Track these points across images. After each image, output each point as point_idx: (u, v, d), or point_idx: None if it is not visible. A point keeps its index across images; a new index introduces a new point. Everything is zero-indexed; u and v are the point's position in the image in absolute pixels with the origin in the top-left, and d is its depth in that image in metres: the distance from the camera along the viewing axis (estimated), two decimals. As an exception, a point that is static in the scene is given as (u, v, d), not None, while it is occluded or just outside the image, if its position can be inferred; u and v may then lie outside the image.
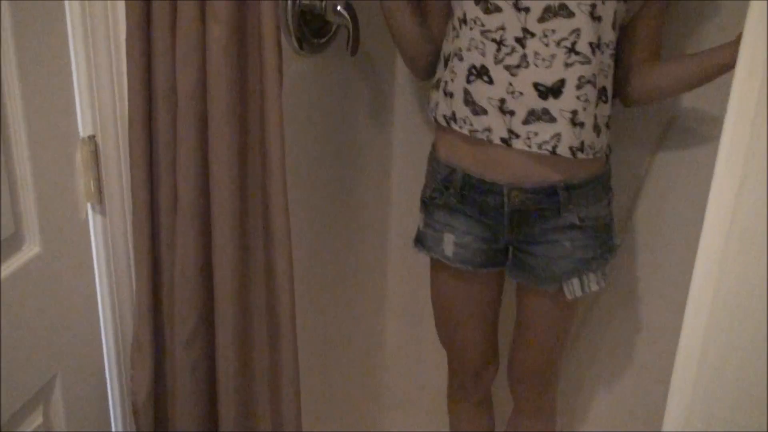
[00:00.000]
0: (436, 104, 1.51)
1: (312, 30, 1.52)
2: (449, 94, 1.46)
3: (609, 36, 1.38)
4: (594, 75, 1.38)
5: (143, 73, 1.14)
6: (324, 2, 1.48)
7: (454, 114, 1.46)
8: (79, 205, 1.19)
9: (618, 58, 1.46)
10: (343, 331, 1.97)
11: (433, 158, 1.59)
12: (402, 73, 1.87)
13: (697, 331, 0.78)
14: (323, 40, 1.57)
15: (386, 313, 2.18)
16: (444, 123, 1.49)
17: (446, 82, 1.47)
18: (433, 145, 1.60)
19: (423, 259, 1.69)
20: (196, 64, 1.11)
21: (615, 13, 1.36)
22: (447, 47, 1.49)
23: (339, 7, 1.48)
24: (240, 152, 1.16)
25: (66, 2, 1.12)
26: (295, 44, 1.48)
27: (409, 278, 2.09)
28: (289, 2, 1.44)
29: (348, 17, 1.48)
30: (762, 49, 0.68)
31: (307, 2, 1.47)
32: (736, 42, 1.30)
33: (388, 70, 1.87)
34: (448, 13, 1.50)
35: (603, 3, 1.34)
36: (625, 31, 1.45)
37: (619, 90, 1.51)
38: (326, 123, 1.67)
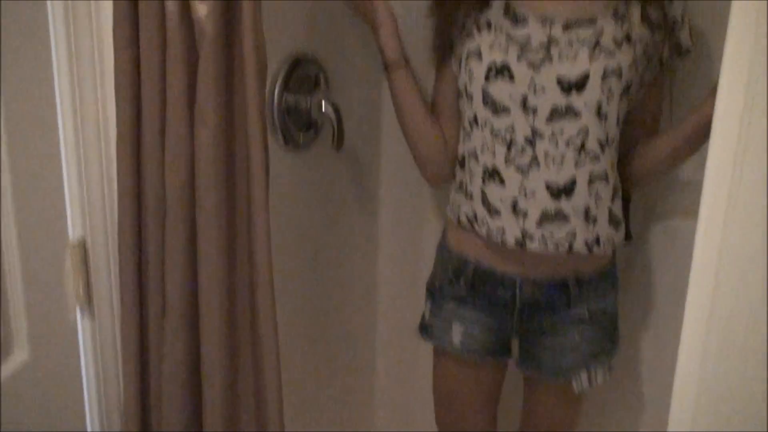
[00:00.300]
0: (458, 206, 1.53)
1: (298, 126, 1.55)
2: (469, 195, 1.48)
3: (615, 132, 1.40)
4: (605, 171, 1.40)
5: (133, 176, 1.15)
6: (309, 99, 1.52)
7: (475, 214, 1.47)
8: (68, 310, 1.19)
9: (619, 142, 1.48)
10: (333, 427, 1.94)
11: (443, 248, 1.60)
12: (387, 168, 1.90)
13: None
14: (309, 136, 1.60)
15: (375, 407, 2.15)
16: (467, 223, 1.50)
17: (465, 184, 1.49)
18: (444, 235, 1.61)
19: (413, 353, 1.68)
20: (185, 167, 1.13)
21: (618, 110, 1.39)
22: (461, 149, 1.51)
23: (324, 105, 1.51)
24: (228, 255, 1.16)
25: (58, 106, 1.14)
26: (281, 140, 1.51)
27: (398, 370, 2.08)
28: (275, 99, 1.47)
29: (333, 114, 1.51)
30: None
31: (293, 99, 1.51)
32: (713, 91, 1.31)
33: (373, 165, 1.90)
34: (459, 114, 1.53)
35: (608, 102, 1.36)
36: (626, 117, 1.47)
37: (622, 172, 1.52)
38: (312, 217, 1.69)
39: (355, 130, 1.69)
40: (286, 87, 1.48)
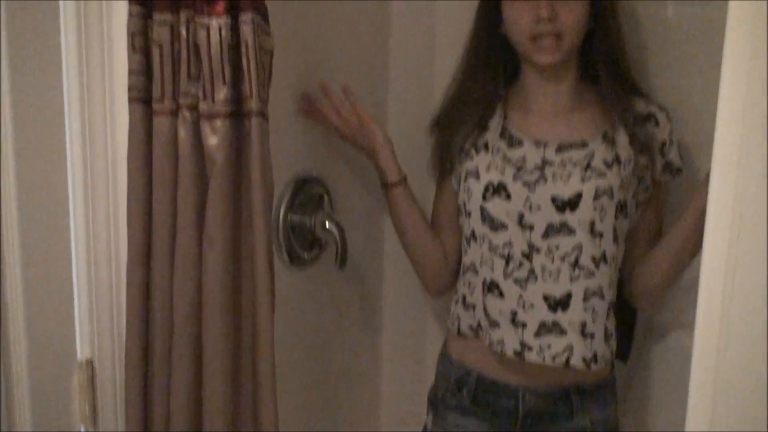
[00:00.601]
0: (458, 317, 1.56)
1: (302, 244, 1.59)
2: (471, 306, 1.51)
3: (612, 249, 1.43)
4: (600, 287, 1.42)
5: (141, 298, 1.18)
6: (313, 218, 1.56)
7: (480, 324, 1.50)
8: (74, 430, 1.20)
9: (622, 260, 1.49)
10: None
11: (445, 359, 1.61)
12: (389, 282, 1.92)
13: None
14: (313, 254, 1.63)
15: None
16: (470, 333, 1.53)
17: (464, 296, 1.53)
18: (445, 346, 1.63)
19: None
20: (193, 290, 1.15)
21: (614, 228, 1.42)
22: (462, 262, 1.55)
23: (327, 224, 1.55)
24: (232, 375, 1.18)
25: (72, 231, 1.18)
26: (287, 259, 1.54)
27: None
28: (281, 219, 1.51)
29: (336, 233, 1.54)
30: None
31: (298, 219, 1.55)
32: (706, 182, 1.28)
33: (375, 280, 1.92)
34: (458, 226, 1.58)
35: (601, 220, 1.40)
36: (628, 235, 1.49)
37: (626, 290, 1.54)
38: (316, 332, 1.70)
39: (357, 246, 1.72)
40: (291, 207, 1.53)
